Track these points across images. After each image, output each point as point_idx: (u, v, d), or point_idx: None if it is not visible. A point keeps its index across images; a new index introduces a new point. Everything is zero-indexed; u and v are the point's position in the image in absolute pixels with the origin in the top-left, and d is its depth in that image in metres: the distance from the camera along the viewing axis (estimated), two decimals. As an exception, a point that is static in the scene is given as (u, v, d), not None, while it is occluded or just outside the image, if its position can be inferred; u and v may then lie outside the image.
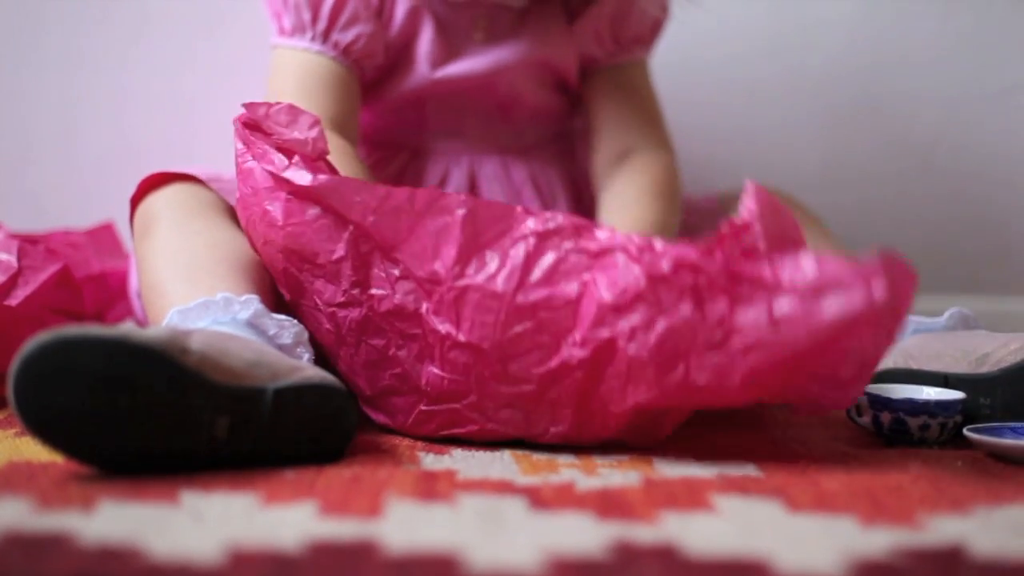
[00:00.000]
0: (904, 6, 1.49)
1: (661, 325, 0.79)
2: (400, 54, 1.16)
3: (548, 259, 0.82)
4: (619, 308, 0.80)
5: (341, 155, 1.02)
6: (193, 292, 0.89)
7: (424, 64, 1.15)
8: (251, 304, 0.86)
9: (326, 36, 1.11)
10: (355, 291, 0.86)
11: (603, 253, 0.81)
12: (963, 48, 1.49)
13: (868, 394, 0.92)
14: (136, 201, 1.01)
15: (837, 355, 0.77)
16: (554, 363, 0.82)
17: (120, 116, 1.44)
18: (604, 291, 0.80)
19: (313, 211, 0.86)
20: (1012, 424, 0.91)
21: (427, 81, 1.15)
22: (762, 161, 1.49)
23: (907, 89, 1.50)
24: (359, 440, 0.86)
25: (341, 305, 0.87)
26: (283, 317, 0.87)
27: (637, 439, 0.85)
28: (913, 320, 1.07)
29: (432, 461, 0.82)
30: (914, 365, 1.00)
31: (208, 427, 0.76)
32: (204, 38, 1.42)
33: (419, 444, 0.87)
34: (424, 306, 0.84)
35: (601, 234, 0.82)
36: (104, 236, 1.24)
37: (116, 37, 1.42)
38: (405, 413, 0.88)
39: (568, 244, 0.82)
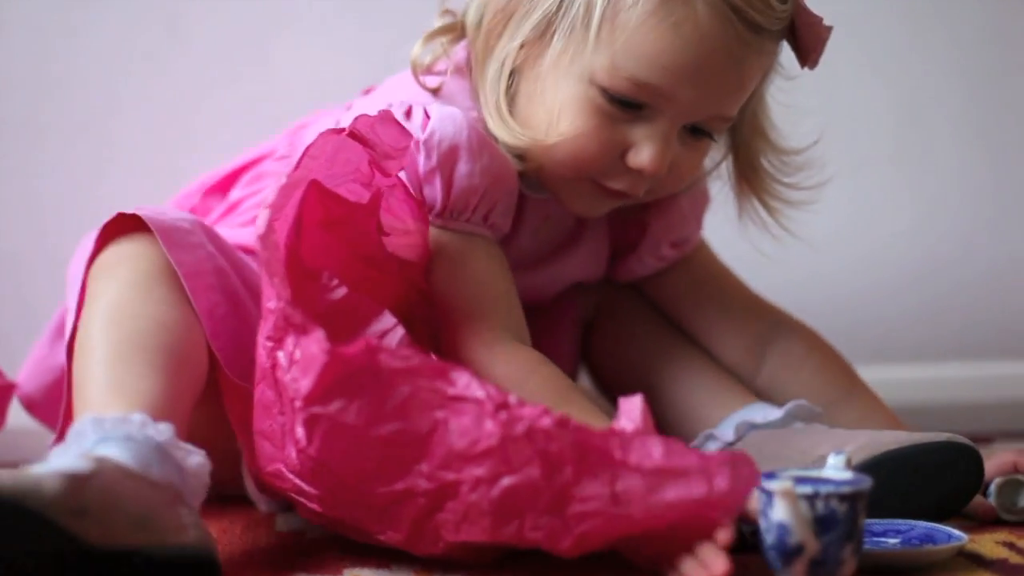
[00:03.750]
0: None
1: (505, 482, 0.83)
2: None
3: (402, 392, 0.84)
4: (468, 458, 0.83)
5: None
6: (116, 396, 0.89)
7: None
8: (167, 431, 0.87)
9: None
10: (268, 343, 0.88)
11: (459, 399, 0.84)
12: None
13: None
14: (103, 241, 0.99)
15: (671, 528, 0.83)
16: (399, 486, 0.86)
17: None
18: (456, 437, 0.83)
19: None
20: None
21: None
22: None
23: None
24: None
25: (263, 340, 0.89)
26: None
27: (466, 557, 0.90)
28: (746, 417, 1.10)
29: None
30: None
31: None
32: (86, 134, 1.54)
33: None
34: (297, 403, 0.86)
35: (460, 380, 0.84)
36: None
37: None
38: (267, 461, 0.92)
39: (423, 383, 0.84)
